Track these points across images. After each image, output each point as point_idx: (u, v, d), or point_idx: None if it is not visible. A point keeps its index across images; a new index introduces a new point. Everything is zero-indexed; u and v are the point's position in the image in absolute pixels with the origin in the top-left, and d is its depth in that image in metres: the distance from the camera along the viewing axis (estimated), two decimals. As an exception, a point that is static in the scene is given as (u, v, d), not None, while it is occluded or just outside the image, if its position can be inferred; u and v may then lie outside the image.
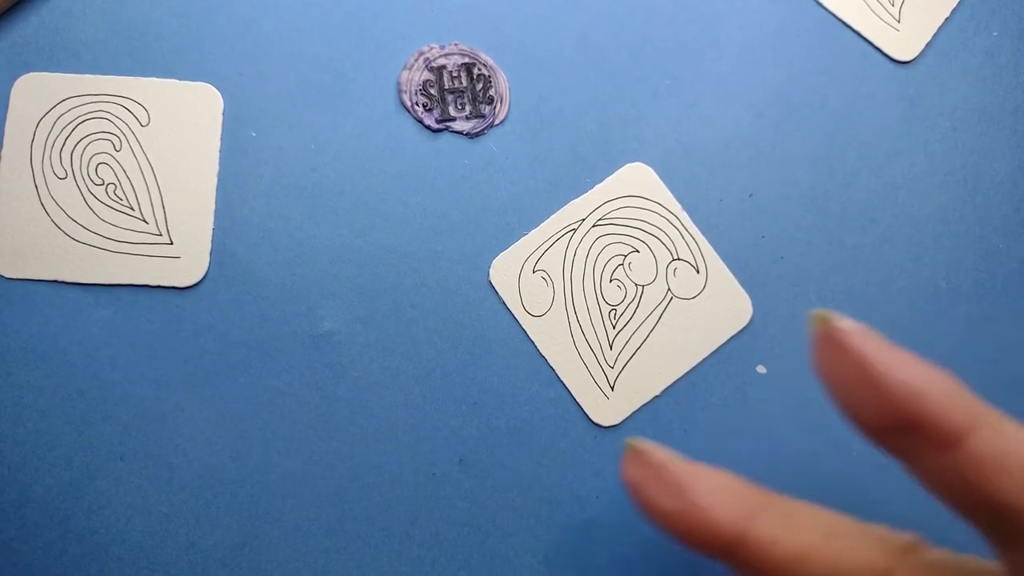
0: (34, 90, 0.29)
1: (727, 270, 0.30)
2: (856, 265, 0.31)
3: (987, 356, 0.30)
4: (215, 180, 0.29)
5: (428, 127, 0.30)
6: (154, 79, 0.30)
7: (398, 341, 0.29)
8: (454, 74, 0.31)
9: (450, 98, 0.30)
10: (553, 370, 0.29)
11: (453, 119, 0.30)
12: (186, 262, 0.29)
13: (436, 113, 0.30)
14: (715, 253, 0.30)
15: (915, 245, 0.31)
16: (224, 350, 0.29)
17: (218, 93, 0.30)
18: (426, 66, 0.30)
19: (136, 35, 0.30)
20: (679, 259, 0.30)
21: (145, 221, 0.29)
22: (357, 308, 0.29)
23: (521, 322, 0.29)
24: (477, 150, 0.30)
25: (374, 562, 0.28)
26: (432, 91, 0.30)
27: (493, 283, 0.29)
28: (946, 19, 0.32)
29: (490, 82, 0.31)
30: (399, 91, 0.30)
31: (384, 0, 0.31)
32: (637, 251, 0.30)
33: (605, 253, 0.30)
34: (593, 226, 0.30)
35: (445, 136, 0.30)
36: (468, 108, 0.30)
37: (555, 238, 0.30)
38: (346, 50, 0.31)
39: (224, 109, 0.30)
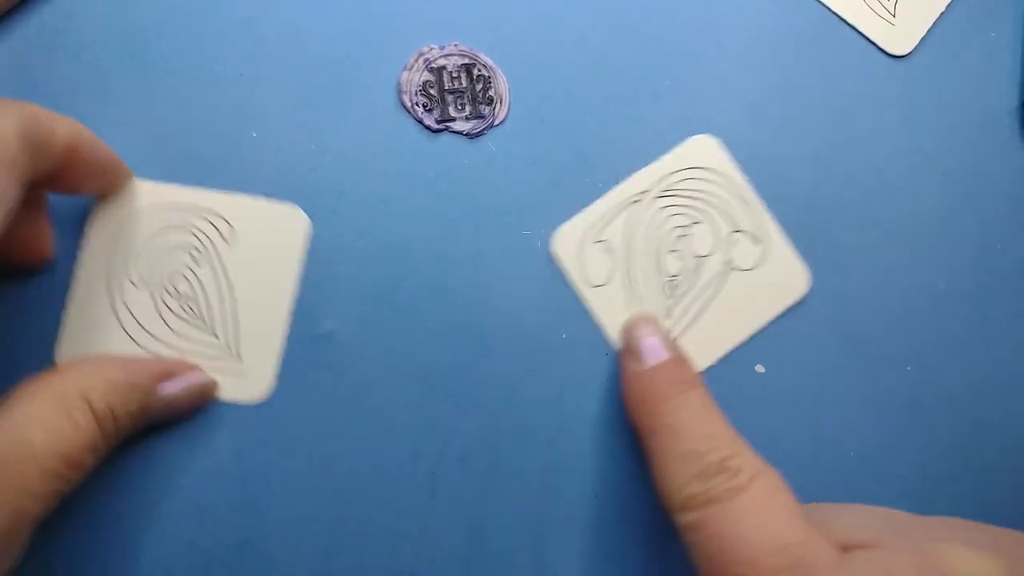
0: (126, 193, 0.29)
1: (786, 241, 0.30)
2: (856, 265, 0.31)
3: (987, 356, 0.30)
4: (290, 304, 0.29)
5: (428, 127, 0.30)
6: (243, 196, 0.29)
7: (398, 341, 0.29)
8: (454, 75, 0.31)
9: (450, 98, 0.30)
10: (607, 342, 0.29)
11: (453, 119, 0.30)
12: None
13: (436, 113, 0.30)
14: (775, 224, 0.30)
15: (915, 245, 0.31)
16: (224, 350, 0.29)
17: (305, 216, 0.29)
18: (426, 67, 0.30)
19: (136, 36, 0.30)
20: (739, 231, 0.30)
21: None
22: (357, 308, 0.29)
23: (582, 292, 0.29)
24: (477, 150, 0.30)
25: (374, 562, 0.28)
26: (432, 91, 0.30)
27: (556, 254, 0.29)
28: (941, 13, 0.32)
29: (490, 83, 0.31)
30: (399, 91, 0.30)
31: (384, 0, 0.31)
32: (699, 222, 0.30)
33: (668, 223, 0.30)
34: (656, 197, 0.30)
35: (445, 136, 0.30)
36: (468, 108, 0.30)
37: (618, 209, 0.30)
38: (346, 50, 0.31)
39: (306, 230, 0.29)
